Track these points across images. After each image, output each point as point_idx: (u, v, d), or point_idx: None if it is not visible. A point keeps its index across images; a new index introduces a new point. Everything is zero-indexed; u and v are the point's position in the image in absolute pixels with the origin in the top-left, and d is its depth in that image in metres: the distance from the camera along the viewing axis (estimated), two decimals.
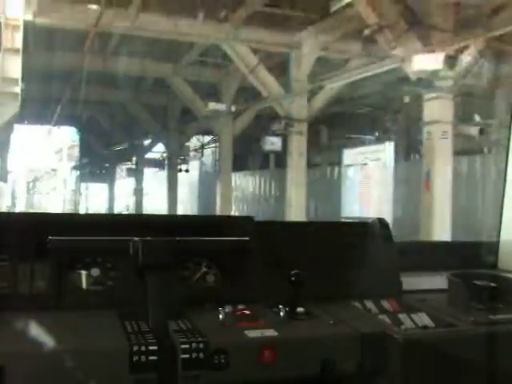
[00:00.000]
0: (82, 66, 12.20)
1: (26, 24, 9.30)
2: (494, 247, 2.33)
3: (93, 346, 1.41)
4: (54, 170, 31.46)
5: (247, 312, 1.66)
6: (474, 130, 9.84)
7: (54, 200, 28.63)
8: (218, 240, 1.82)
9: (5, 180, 20.41)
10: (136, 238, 1.66)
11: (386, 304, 1.84)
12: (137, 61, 12.55)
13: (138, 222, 1.93)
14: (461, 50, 8.12)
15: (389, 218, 2.43)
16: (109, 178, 23.35)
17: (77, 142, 23.41)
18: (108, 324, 1.52)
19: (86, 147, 22.38)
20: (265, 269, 1.81)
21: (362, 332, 1.62)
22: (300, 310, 1.69)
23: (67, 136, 25.34)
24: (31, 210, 26.28)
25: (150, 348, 1.40)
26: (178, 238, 1.72)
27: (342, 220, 9.07)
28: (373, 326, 1.67)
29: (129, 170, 21.96)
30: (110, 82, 14.26)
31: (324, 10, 9.13)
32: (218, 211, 13.60)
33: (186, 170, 18.27)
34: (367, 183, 10.71)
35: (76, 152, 24.21)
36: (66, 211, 23.74)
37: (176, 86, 13.51)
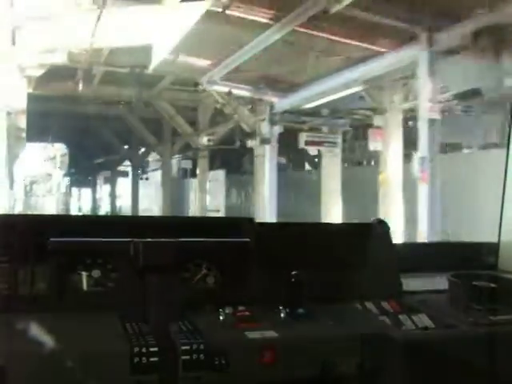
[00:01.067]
0: (71, 109, 18.02)
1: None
2: (494, 248, 2.29)
3: (93, 348, 1.38)
4: (49, 174, 36.43)
5: (247, 313, 1.62)
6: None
7: (50, 200, 34.10)
8: (219, 241, 1.78)
9: (11, 187, 25.95)
10: (137, 240, 1.64)
11: (386, 305, 1.80)
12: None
13: (138, 224, 1.90)
14: None
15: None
16: (91, 184, 29.30)
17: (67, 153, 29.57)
18: (109, 325, 1.49)
19: (74, 161, 27.48)
20: (265, 270, 1.77)
21: (362, 333, 1.59)
22: (300, 311, 1.66)
23: (60, 148, 31.40)
24: (32, 208, 29.63)
25: (151, 349, 1.37)
26: (178, 240, 1.69)
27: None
28: (373, 327, 1.65)
29: (105, 178, 27.78)
30: (85, 121, 19.74)
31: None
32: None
33: (146, 178, 23.68)
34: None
35: (67, 160, 30.25)
36: (60, 209, 28.69)
37: (130, 123, 18.97)
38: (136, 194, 22.45)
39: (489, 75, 7.61)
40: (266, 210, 12.40)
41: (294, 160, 19.80)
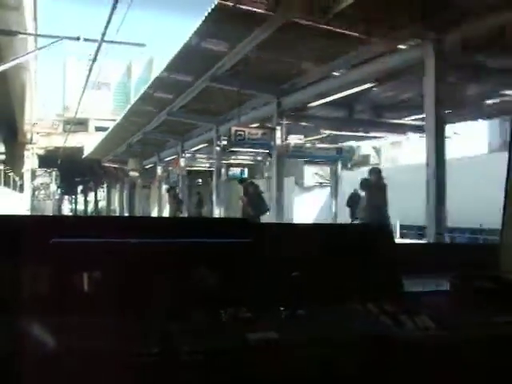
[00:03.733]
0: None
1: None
2: (495, 248, 2.26)
3: (93, 347, 1.38)
4: (47, 184, 47.51)
5: (248, 314, 1.62)
6: None
7: (48, 202, 50.82)
8: (219, 242, 1.79)
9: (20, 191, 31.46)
10: (137, 240, 1.66)
11: (386, 305, 1.78)
12: None
13: (138, 224, 1.93)
14: None
15: None
16: (74, 193, 45.95)
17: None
18: (108, 325, 1.49)
19: (64, 179, 42.60)
20: (265, 270, 1.77)
21: (362, 334, 1.60)
22: (300, 311, 1.67)
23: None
24: (37, 207, 39.87)
25: (151, 350, 1.38)
26: (177, 240, 1.71)
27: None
28: (373, 328, 1.64)
29: (82, 190, 43.92)
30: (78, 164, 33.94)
31: None
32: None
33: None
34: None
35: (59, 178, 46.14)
36: (56, 207, 42.96)
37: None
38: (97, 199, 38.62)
39: None
40: None
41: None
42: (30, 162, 26.60)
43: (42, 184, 45.46)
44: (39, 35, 12.13)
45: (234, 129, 13.33)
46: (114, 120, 20.95)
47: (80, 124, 27.32)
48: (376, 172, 9.96)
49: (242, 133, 13.39)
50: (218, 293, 1.71)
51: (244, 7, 7.77)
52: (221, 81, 11.78)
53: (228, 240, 1.79)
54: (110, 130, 21.27)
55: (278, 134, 12.75)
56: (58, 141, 26.78)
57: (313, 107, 12.27)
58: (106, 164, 27.27)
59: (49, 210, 41.87)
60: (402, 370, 1.57)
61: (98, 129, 25.53)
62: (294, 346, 1.51)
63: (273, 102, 12.61)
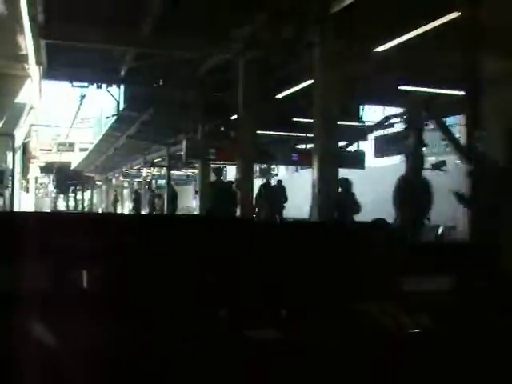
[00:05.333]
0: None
1: None
2: (494, 248, 2.33)
3: (92, 346, 1.39)
4: (46, 184, 57.18)
5: (247, 312, 1.63)
6: None
7: (47, 199, 62.10)
8: (219, 240, 1.78)
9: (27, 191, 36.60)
10: (136, 238, 1.67)
11: (387, 305, 1.79)
12: None
13: (138, 222, 1.94)
14: None
15: None
16: (66, 192, 57.63)
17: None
18: (108, 324, 1.48)
19: (58, 183, 53.74)
20: (265, 269, 1.75)
21: (362, 333, 1.63)
22: (300, 311, 1.67)
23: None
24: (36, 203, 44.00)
25: (150, 348, 1.40)
26: (177, 239, 1.71)
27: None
28: (374, 328, 1.66)
29: (72, 190, 55.41)
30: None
31: None
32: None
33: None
34: None
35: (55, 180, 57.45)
36: (52, 203, 53.55)
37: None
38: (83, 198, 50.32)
39: None
40: None
41: None
42: (34, 171, 38.38)
43: (41, 184, 57.28)
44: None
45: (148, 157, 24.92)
46: (92, 143, 30.74)
47: (69, 146, 39.67)
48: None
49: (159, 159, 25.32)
50: (217, 292, 1.68)
51: None
52: (135, 137, 23.22)
53: (228, 239, 1.77)
54: (88, 150, 32.69)
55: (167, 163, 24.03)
56: (54, 157, 38.60)
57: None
58: (87, 174, 39.51)
59: (47, 205, 53.84)
60: (402, 370, 1.57)
61: (82, 149, 36.89)
62: (294, 346, 1.51)
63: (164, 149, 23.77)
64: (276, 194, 13.60)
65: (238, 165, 12.29)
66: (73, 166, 38.00)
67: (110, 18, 10.03)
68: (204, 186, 16.44)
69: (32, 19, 9.43)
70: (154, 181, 30.26)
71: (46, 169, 40.68)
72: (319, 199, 8.66)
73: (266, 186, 13.86)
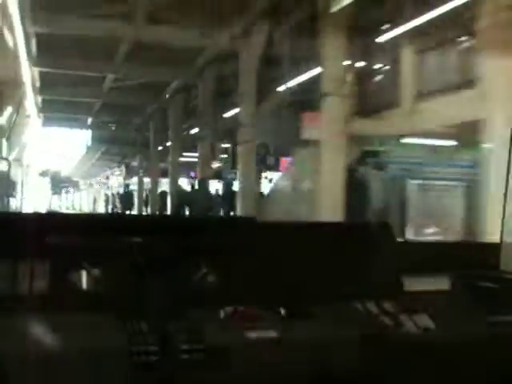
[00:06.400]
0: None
1: None
2: (495, 248, 2.26)
3: (92, 347, 1.36)
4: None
5: (248, 313, 1.60)
6: None
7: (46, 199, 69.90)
8: (220, 240, 1.75)
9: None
10: (137, 238, 1.64)
11: (386, 305, 1.77)
12: None
13: (138, 222, 1.90)
14: None
15: None
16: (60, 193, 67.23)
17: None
18: (108, 324, 1.46)
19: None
20: (266, 269, 1.73)
21: (363, 333, 1.58)
22: (300, 311, 1.65)
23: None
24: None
25: (150, 348, 1.37)
26: (178, 239, 1.68)
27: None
28: (373, 328, 1.63)
29: (65, 192, 65.00)
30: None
31: None
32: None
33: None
34: None
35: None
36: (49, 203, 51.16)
37: None
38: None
39: None
40: None
41: None
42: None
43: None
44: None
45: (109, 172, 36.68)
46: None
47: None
48: None
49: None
50: (218, 291, 1.67)
51: None
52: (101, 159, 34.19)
53: (228, 239, 1.74)
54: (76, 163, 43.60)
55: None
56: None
57: None
58: (74, 179, 50.51)
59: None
60: (402, 370, 1.56)
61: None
62: (294, 346, 1.49)
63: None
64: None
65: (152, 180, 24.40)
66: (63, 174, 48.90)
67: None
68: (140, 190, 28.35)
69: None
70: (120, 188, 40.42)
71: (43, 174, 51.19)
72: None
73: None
